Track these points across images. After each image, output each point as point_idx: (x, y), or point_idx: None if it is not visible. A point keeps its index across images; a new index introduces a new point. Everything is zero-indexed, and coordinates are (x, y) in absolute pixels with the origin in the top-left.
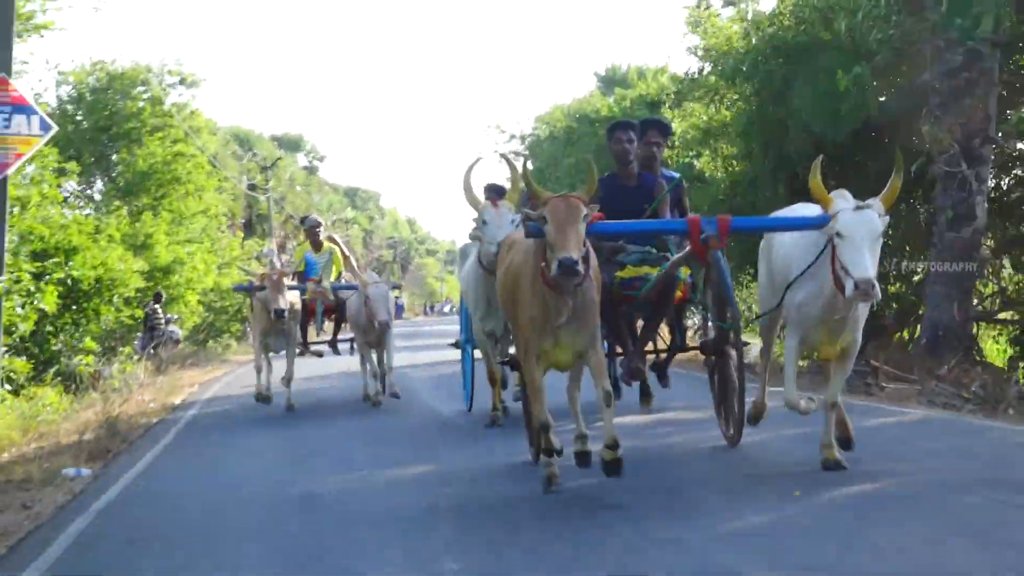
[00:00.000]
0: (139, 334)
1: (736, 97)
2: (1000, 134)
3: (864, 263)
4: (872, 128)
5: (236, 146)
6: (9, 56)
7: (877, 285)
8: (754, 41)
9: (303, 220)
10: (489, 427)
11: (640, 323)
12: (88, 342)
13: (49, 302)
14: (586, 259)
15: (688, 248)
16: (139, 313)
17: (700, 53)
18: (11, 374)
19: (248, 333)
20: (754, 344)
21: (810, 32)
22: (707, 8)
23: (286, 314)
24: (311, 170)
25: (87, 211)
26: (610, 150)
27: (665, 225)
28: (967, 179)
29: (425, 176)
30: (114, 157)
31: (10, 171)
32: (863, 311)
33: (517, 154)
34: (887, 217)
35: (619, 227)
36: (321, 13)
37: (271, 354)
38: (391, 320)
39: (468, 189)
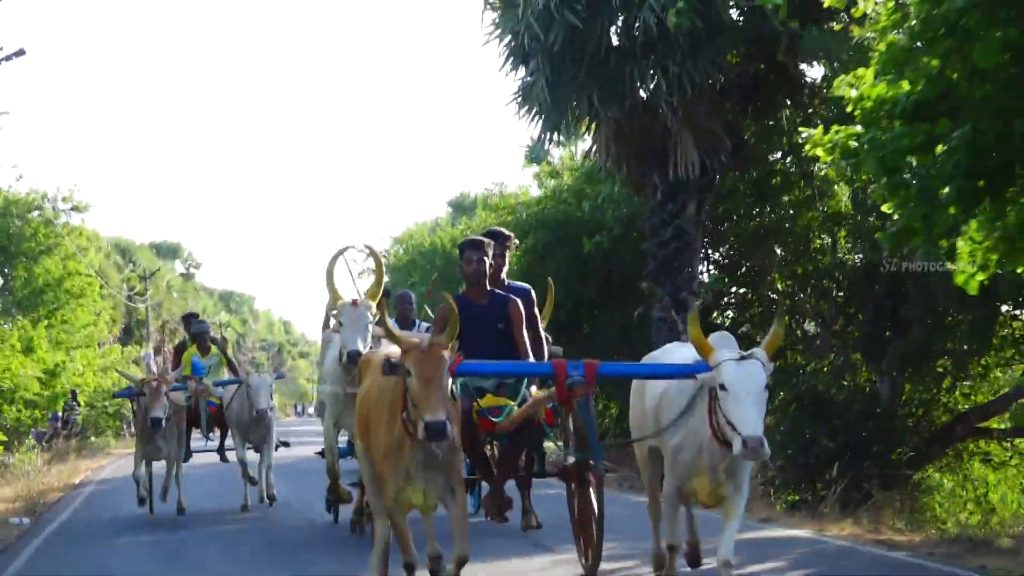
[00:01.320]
0: (33, 429)
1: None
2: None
3: (752, 420)
4: (612, 284)
5: (117, 256)
6: None
7: (766, 442)
8: (524, 216)
9: (188, 321)
10: (352, 533)
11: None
12: None
13: None
14: (450, 424)
15: (551, 390)
16: (37, 413)
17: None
18: None
19: (126, 430)
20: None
21: (565, 210)
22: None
23: (163, 423)
24: (188, 276)
25: None
26: (460, 271)
27: (530, 368)
28: (676, 322)
29: (298, 279)
30: (12, 274)
31: None
32: (747, 465)
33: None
34: (771, 366)
35: (483, 368)
36: (196, 126)
37: (154, 461)
38: (273, 409)
39: (330, 280)
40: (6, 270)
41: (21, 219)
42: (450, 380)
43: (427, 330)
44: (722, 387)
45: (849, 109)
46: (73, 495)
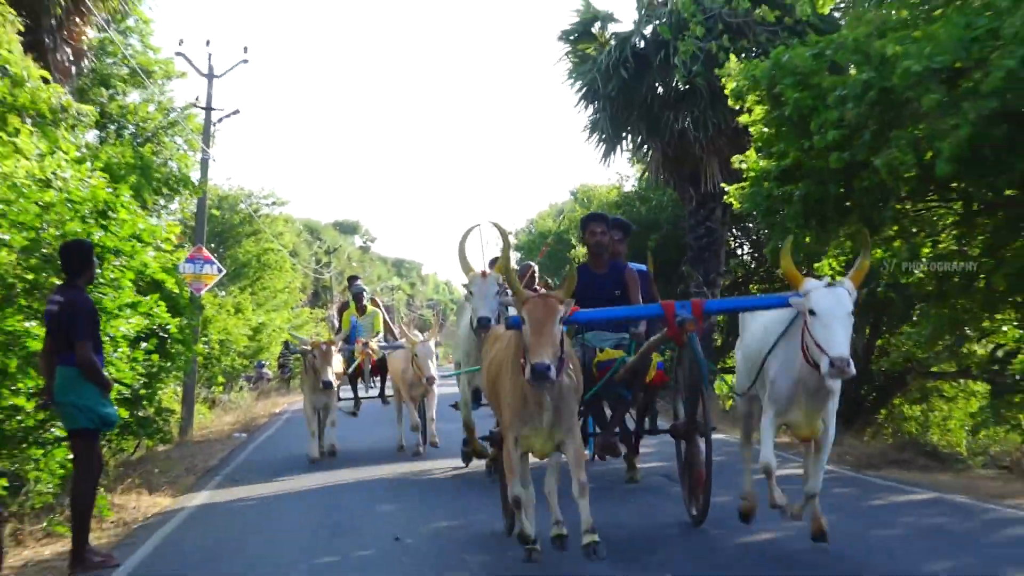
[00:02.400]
0: (243, 374)
1: None
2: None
3: (839, 341)
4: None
5: (307, 235)
6: (203, 231)
7: (852, 363)
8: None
9: (350, 282)
10: (488, 477)
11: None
12: (218, 379)
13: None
14: (561, 356)
15: (664, 331)
16: (246, 362)
17: None
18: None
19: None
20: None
21: (630, 211)
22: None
23: (332, 385)
24: (365, 249)
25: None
26: (584, 241)
27: (642, 310)
28: (707, 295)
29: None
30: (225, 253)
31: (202, 294)
32: (836, 392)
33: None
34: (856, 294)
35: (600, 314)
36: (371, 120)
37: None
38: (436, 376)
39: (462, 256)
40: (220, 250)
41: (231, 211)
42: (562, 329)
43: None
44: (812, 312)
45: (744, 175)
46: (274, 420)
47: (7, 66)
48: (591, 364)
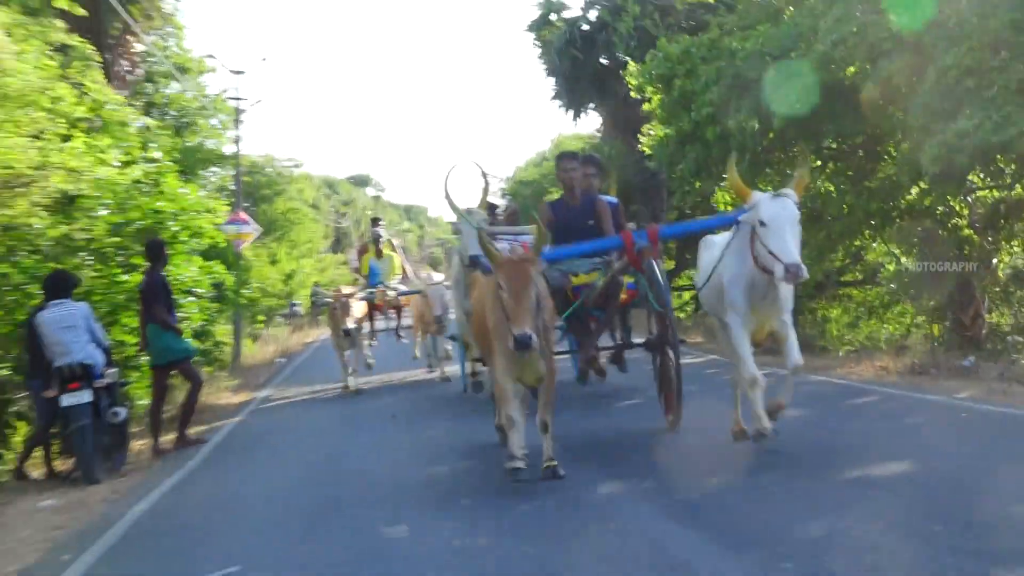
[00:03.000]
0: (280, 312)
1: None
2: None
3: (790, 248)
4: None
5: (326, 189)
6: (240, 197)
7: (803, 267)
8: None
9: (373, 222)
10: (464, 392)
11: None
12: (259, 318)
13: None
14: (539, 306)
15: (625, 258)
16: (282, 301)
17: None
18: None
19: None
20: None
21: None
22: None
23: (352, 332)
24: (377, 198)
25: None
26: (557, 178)
27: (603, 244)
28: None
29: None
30: (257, 211)
31: (242, 248)
32: (789, 293)
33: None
34: (799, 202)
35: (567, 252)
36: (377, 81)
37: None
38: (446, 314)
39: (447, 196)
40: (253, 209)
41: (260, 174)
42: (535, 291)
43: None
44: (761, 223)
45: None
46: (307, 348)
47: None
48: (567, 288)
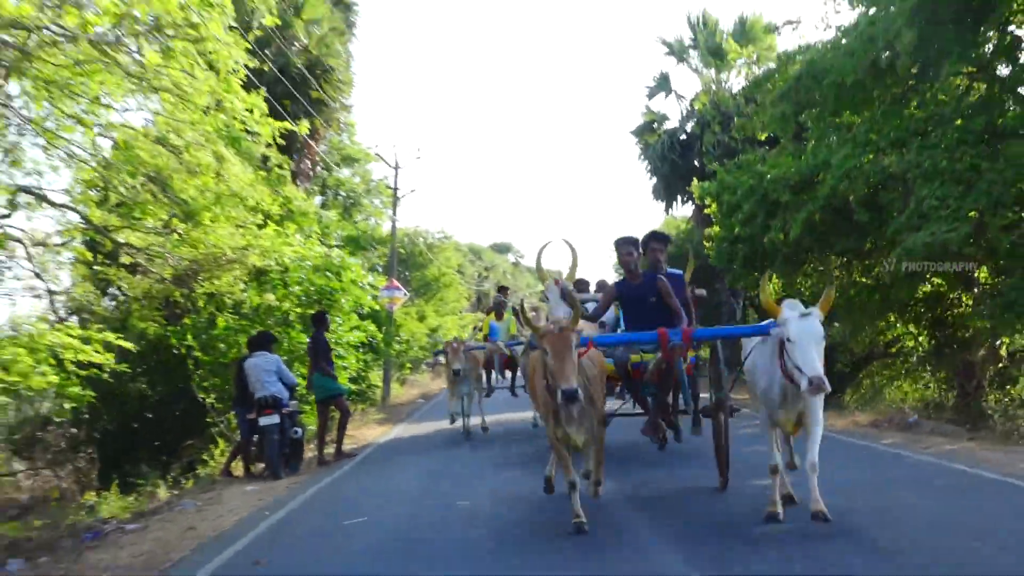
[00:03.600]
0: (424, 362)
1: None
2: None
3: (813, 362)
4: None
5: (471, 255)
6: (394, 267)
7: (826, 380)
8: None
9: (499, 290)
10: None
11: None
12: (407, 365)
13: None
14: (581, 392)
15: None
16: (426, 352)
17: None
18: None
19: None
20: None
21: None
22: None
23: (461, 372)
24: (516, 264)
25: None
26: (619, 261)
27: (642, 336)
28: (733, 305)
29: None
30: (410, 275)
31: (394, 310)
32: (818, 399)
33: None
34: (823, 319)
35: (609, 340)
36: (520, 157)
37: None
38: None
39: (539, 267)
40: (406, 273)
41: (413, 244)
42: (577, 359)
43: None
44: (789, 340)
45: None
46: (443, 392)
47: (285, 193)
48: (627, 365)
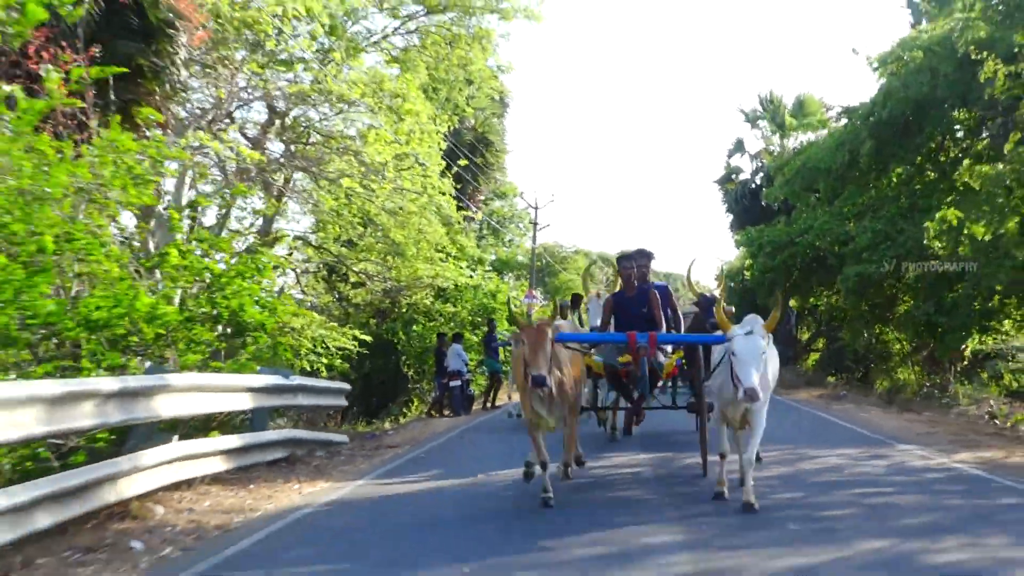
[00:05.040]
0: None
1: None
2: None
3: (749, 376)
4: None
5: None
6: (533, 280)
7: (759, 391)
8: None
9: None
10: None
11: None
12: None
13: None
14: (550, 377)
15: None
16: None
17: None
18: None
19: None
20: None
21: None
22: None
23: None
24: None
25: None
26: (620, 275)
27: (612, 337)
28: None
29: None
30: (549, 283)
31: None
32: (758, 405)
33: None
34: (770, 338)
35: (578, 337)
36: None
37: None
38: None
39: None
40: (545, 279)
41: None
42: (551, 347)
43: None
44: (733, 353)
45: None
46: None
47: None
48: (616, 362)
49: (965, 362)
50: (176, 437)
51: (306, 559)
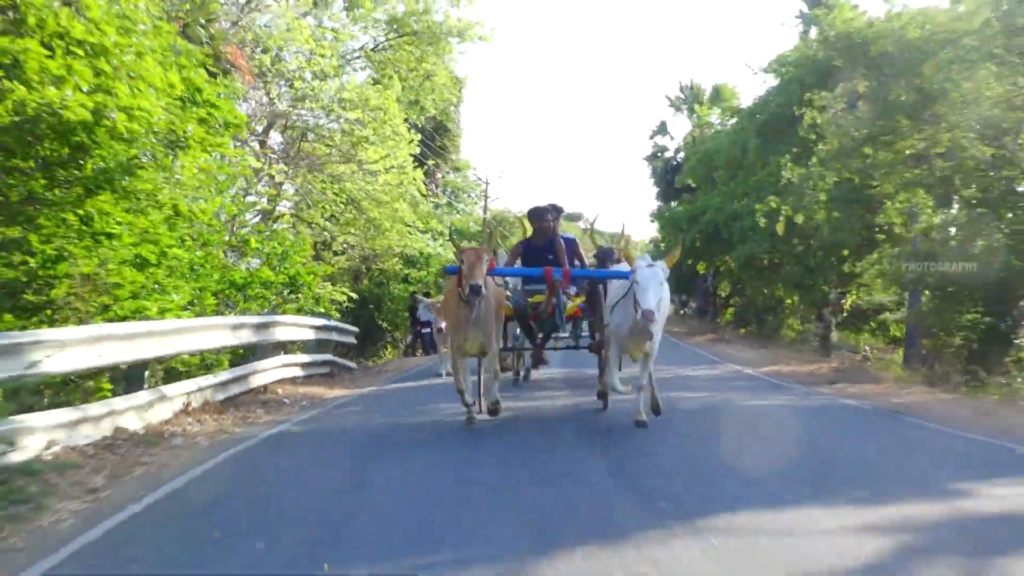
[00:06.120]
0: None
1: None
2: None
3: (648, 300)
4: None
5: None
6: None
7: (655, 311)
8: None
9: None
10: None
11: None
12: None
13: None
14: (484, 288)
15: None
16: None
17: None
18: None
19: None
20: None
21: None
22: None
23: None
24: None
25: None
26: (537, 225)
27: (530, 271)
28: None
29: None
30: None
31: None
32: (657, 334)
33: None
34: (668, 272)
35: (506, 271)
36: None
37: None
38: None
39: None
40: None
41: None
42: (486, 271)
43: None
44: (636, 282)
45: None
46: None
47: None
48: (526, 303)
49: (845, 314)
50: (282, 351)
51: (360, 412)
